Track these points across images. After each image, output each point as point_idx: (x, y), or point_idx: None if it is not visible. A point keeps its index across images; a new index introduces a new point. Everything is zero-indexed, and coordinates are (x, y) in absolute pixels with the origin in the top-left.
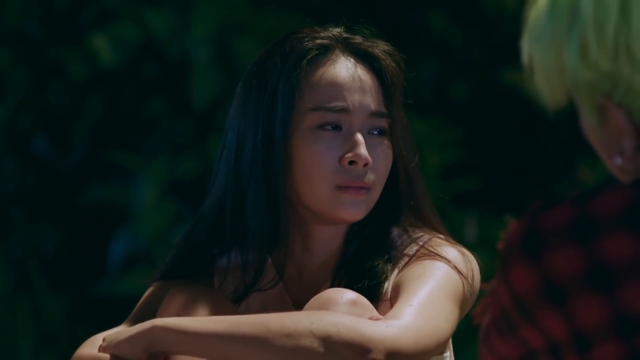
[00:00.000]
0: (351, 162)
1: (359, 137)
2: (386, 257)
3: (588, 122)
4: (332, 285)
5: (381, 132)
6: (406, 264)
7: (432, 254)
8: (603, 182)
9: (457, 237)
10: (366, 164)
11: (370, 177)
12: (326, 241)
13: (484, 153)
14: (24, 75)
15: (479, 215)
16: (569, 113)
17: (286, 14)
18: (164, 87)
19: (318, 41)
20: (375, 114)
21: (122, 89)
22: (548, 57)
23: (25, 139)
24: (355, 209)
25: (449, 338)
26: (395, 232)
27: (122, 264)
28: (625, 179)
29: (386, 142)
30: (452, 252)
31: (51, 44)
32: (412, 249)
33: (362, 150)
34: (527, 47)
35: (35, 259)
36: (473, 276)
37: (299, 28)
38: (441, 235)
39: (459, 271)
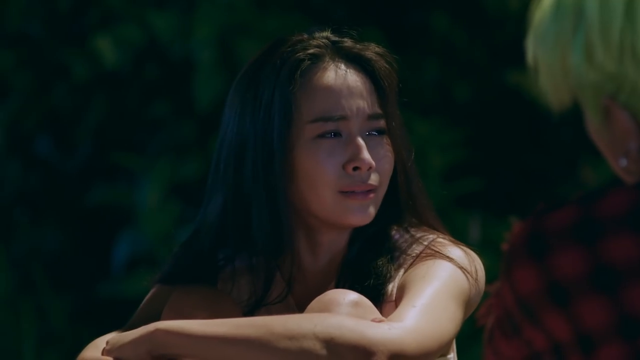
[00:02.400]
0: (355, 168)
1: (360, 141)
2: (389, 256)
3: (593, 123)
4: (337, 286)
5: (380, 132)
6: (411, 264)
7: (437, 253)
8: (607, 183)
9: (461, 238)
10: (370, 168)
11: (374, 177)
12: (332, 245)
13: (487, 154)
14: (27, 76)
15: (483, 216)
16: (573, 114)
17: (289, 15)
18: (167, 88)
19: (310, 51)
20: (372, 117)
21: (125, 91)
22: (553, 58)
23: (28, 140)
24: (363, 214)
25: (452, 339)
26: (397, 231)
27: (126, 266)
28: (629, 180)
29: (386, 141)
30: (457, 251)
31: (54, 46)
32: (416, 250)
33: (365, 155)
34: (532, 48)
35: (39, 261)
36: (477, 275)
37: (285, 36)
38: (444, 235)
39: (464, 270)
